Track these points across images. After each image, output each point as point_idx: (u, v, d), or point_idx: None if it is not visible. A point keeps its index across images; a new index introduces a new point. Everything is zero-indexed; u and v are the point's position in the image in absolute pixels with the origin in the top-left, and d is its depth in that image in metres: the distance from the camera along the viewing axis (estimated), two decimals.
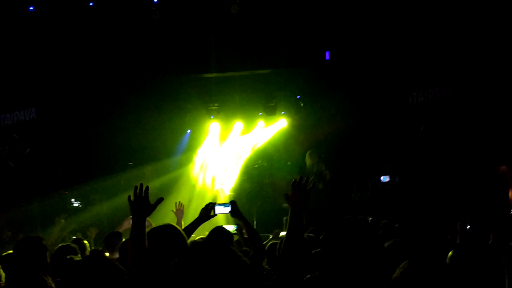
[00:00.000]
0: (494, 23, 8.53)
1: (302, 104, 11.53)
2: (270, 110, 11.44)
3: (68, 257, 4.26)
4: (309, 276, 2.60)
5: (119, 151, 11.43)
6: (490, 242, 2.58)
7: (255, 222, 10.52)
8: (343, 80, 10.56)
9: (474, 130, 9.10)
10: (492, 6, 8.51)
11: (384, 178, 10.26)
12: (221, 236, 4.08)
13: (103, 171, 10.82)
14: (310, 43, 10.02)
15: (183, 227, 4.29)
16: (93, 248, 6.02)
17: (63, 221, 7.68)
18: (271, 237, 6.73)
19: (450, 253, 3.35)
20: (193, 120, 11.87)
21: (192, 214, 6.87)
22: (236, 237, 4.93)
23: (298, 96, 11.53)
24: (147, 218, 7.06)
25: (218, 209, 4.47)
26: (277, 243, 4.40)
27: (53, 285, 2.75)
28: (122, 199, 10.63)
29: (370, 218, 6.62)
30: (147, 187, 3.02)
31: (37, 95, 10.66)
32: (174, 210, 5.73)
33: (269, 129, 12.20)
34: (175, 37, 10.13)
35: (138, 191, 2.97)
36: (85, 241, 5.61)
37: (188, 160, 12.19)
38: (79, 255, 4.57)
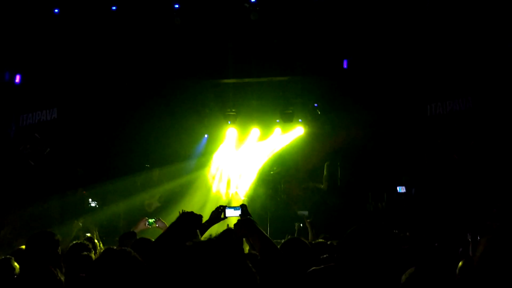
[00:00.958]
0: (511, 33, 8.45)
1: (319, 112, 11.54)
2: (287, 117, 11.47)
3: (84, 253, 4.36)
4: (314, 268, 2.60)
5: (137, 153, 11.59)
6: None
7: (268, 229, 10.54)
8: (360, 89, 10.54)
9: (492, 144, 8.99)
10: (508, 16, 8.43)
11: (400, 189, 10.19)
12: (228, 237, 4.11)
13: (121, 172, 10.98)
14: (328, 51, 10.04)
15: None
16: (102, 247, 6.11)
17: (80, 224, 7.81)
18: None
19: (460, 264, 3.34)
20: (210, 125, 11.97)
21: (205, 217, 6.92)
22: None
23: (316, 104, 11.53)
24: (162, 220, 7.15)
25: (229, 212, 4.50)
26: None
27: (62, 278, 2.82)
28: (138, 200, 10.82)
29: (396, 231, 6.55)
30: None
31: (59, 96, 10.89)
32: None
33: (286, 136, 12.23)
34: (195, 43, 10.26)
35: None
36: (96, 240, 5.71)
37: (204, 164, 12.29)
38: (93, 253, 4.67)
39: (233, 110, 11.55)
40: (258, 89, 11.21)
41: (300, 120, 11.84)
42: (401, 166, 10.50)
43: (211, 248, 1.73)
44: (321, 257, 4.01)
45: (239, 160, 12.36)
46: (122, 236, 5.97)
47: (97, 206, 11.13)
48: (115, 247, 5.81)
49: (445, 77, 9.52)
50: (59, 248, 3.74)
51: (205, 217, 4.77)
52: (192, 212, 4.20)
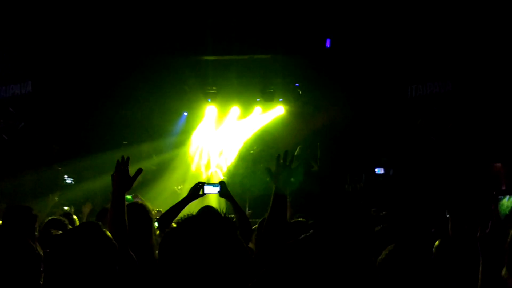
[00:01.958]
0: (494, 20, 8.49)
1: (300, 92, 11.48)
2: (268, 97, 11.40)
3: (54, 232, 4.25)
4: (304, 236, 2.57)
5: (114, 129, 11.40)
6: (478, 234, 2.58)
7: (247, 208, 10.54)
8: (342, 69, 10.51)
9: (470, 127, 9.10)
10: (492, 2, 8.46)
11: (379, 170, 10.27)
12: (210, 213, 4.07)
13: (97, 149, 10.78)
14: (310, 30, 9.94)
15: (172, 205, 4.29)
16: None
17: (56, 198, 7.67)
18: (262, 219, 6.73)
19: (437, 242, 3.37)
20: (190, 103, 11.83)
21: (185, 195, 6.87)
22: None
23: (297, 84, 11.47)
24: (138, 195, 7.07)
25: (207, 189, 4.47)
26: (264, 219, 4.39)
27: (41, 252, 2.74)
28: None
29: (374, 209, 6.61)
30: (128, 159, 3.02)
31: (33, 69, 10.58)
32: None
33: (266, 116, 12.17)
34: (174, 18, 10.04)
35: (119, 164, 2.97)
36: (75, 216, 5.60)
37: (183, 142, 12.18)
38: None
39: (213, 87, 11.42)
40: (238, 67, 11.07)
41: (280, 99, 11.78)
42: (380, 147, 10.58)
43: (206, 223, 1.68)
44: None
45: (219, 139, 12.28)
46: (99, 213, 5.87)
47: (72, 182, 10.95)
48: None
49: (426, 59, 9.55)
50: (37, 224, 3.67)
51: (184, 194, 4.72)
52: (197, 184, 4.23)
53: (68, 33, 10.14)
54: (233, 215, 5.01)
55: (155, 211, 6.66)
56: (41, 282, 2.66)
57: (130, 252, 2.90)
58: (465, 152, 9.07)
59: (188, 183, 10.98)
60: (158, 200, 9.68)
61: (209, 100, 11.59)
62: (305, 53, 10.28)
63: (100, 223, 2.49)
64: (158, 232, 4.49)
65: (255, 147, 12.21)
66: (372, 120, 10.67)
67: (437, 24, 9.15)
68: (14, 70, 10.58)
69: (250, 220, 4.79)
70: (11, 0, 9.72)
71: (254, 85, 11.43)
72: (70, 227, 4.72)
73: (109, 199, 3.11)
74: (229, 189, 4.67)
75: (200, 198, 4.52)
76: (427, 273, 2.45)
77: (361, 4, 9.45)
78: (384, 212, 4.98)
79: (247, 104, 12.03)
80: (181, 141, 12.18)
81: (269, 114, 12.13)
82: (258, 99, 11.76)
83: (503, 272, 1.95)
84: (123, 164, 3.03)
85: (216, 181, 10.39)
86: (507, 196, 2.47)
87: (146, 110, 11.55)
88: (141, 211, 3.34)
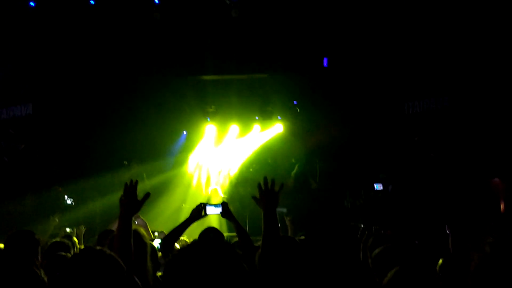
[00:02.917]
0: (489, 37, 8.62)
1: (298, 110, 11.57)
2: (266, 115, 11.48)
3: (62, 253, 4.27)
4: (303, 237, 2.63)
5: (114, 150, 11.43)
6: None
7: (247, 226, 10.53)
8: (340, 87, 10.62)
9: (468, 142, 9.17)
10: (488, 19, 8.60)
11: (377, 186, 10.31)
12: (213, 235, 4.11)
13: (98, 170, 10.81)
14: (308, 49, 10.08)
15: (175, 227, 4.33)
16: (82, 245, 6.02)
17: (57, 220, 7.68)
18: None
19: (440, 261, 3.39)
20: (189, 122, 11.89)
21: (185, 215, 6.89)
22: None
23: (295, 102, 11.57)
24: (141, 216, 7.09)
25: (209, 210, 4.50)
26: None
27: (45, 278, 2.76)
28: (115, 198, 10.62)
29: (362, 226, 6.67)
30: (136, 182, 3.06)
31: (34, 91, 10.66)
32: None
33: (265, 134, 12.24)
34: (174, 39, 10.17)
35: (128, 188, 3.01)
36: (75, 238, 5.62)
37: (183, 161, 12.21)
38: (71, 252, 4.58)
39: (212, 106, 11.51)
40: (237, 86, 11.19)
41: (279, 117, 11.86)
42: (379, 163, 10.64)
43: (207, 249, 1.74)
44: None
45: (218, 157, 12.32)
46: (100, 235, 5.89)
47: (73, 203, 10.94)
48: (92, 245, 5.76)
49: (422, 76, 9.66)
50: (39, 248, 3.67)
51: (185, 215, 4.76)
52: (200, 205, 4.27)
53: (68, 55, 10.25)
54: (234, 234, 5.05)
55: (158, 232, 6.68)
56: None
57: (134, 277, 2.93)
58: (463, 167, 9.13)
59: (189, 202, 11.00)
60: (160, 220, 9.69)
61: (209, 119, 11.66)
62: (303, 71, 10.41)
63: (106, 248, 2.51)
64: (160, 254, 4.52)
65: (254, 165, 12.25)
66: (370, 137, 10.75)
67: (431, 40, 9.29)
68: (15, 92, 10.68)
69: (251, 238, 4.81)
70: (13, 23, 9.84)
71: (252, 103, 11.52)
72: (72, 249, 4.75)
73: (109, 220, 3.13)
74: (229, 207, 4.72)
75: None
76: None
77: (357, 23, 9.60)
78: (385, 231, 5.00)
79: (246, 123, 12.10)
80: (181, 160, 12.22)
81: (267, 132, 12.19)
82: (257, 118, 11.84)
83: None
84: (131, 188, 3.06)
85: (217, 199, 10.44)
86: None
87: (146, 130, 11.60)
88: (135, 236, 3.34)
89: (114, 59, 10.30)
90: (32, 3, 9.71)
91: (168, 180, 11.78)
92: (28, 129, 10.70)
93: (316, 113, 11.33)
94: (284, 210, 9.67)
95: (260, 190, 3.01)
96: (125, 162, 10.96)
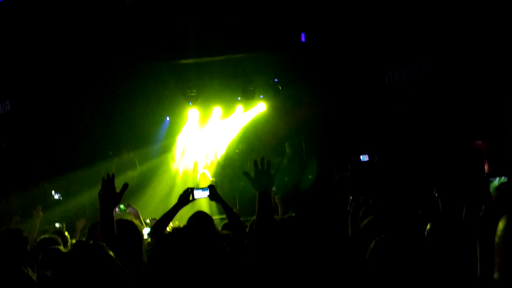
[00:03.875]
0: (464, 2, 8.64)
1: (280, 88, 11.56)
2: (248, 95, 11.44)
3: (53, 247, 4.25)
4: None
5: (98, 141, 11.34)
6: (463, 214, 2.66)
7: (237, 206, 10.59)
8: (319, 62, 10.60)
9: (449, 107, 9.26)
10: None
11: (364, 157, 10.39)
12: (202, 221, 4.12)
13: (83, 162, 10.73)
14: (285, 25, 10.01)
15: (163, 214, 4.33)
16: (73, 239, 6.00)
17: (41, 213, 7.62)
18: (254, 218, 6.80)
19: (428, 226, 3.43)
20: (171, 107, 11.81)
21: (174, 201, 6.90)
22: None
23: (276, 80, 11.54)
24: (132, 205, 7.04)
25: (197, 194, 4.50)
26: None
27: (34, 276, 2.74)
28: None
29: (351, 198, 6.71)
30: (113, 176, 3.03)
31: (11, 87, 10.45)
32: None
33: (248, 114, 12.22)
34: (150, 24, 10.00)
35: (105, 181, 2.99)
36: (66, 233, 5.59)
37: (168, 147, 12.17)
38: (62, 247, 4.56)
39: (194, 90, 11.42)
40: (217, 68, 11.10)
41: (261, 96, 11.84)
42: (363, 135, 10.71)
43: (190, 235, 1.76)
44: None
45: (204, 141, 12.30)
46: (91, 227, 5.87)
47: (60, 198, 10.87)
48: (84, 239, 5.75)
49: (400, 45, 9.68)
50: (28, 245, 3.65)
51: (174, 201, 4.77)
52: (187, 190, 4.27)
53: (42, 49, 10.04)
54: (224, 216, 5.07)
55: (150, 219, 6.68)
56: None
57: (124, 269, 2.91)
58: (446, 131, 9.24)
59: (177, 187, 11.00)
60: (150, 207, 9.69)
61: (191, 103, 11.59)
62: (281, 48, 10.35)
63: (104, 244, 2.47)
64: (149, 239, 4.53)
65: (240, 146, 12.26)
66: (352, 109, 10.79)
67: (407, 8, 9.28)
68: None
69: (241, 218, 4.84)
70: None
71: (234, 84, 11.46)
72: (63, 246, 4.72)
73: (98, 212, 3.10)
74: (218, 190, 4.74)
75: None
76: (419, 260, 2.50)
77: None
78: (372, 200, 5.05)
79: (228, 104, 12.06)
80: (166, 146, 12.18)
81: (251, 112, 12.18)
82: (239, 98, 11.80)
83: (495, 275, 1.74)
84: (108, 181, 3.03)
85: (206, 182, 10.47)
86: (497, 178, 2.54)
87: (128, 118, 11.50)
88: (131, 228, 3.33)
89: (90, 49, 10.11)
90: None
91: (156, 167, 11.75)
92: (7, 127, 10.52)
93: (297, 89, 11.33)
94: (273, 188, 9.73)
95: (256, 169, 2.98)
96: (110, 153, 10.88)
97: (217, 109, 12.12)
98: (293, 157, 11.10)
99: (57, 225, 6.78)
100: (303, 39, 10.00)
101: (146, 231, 5.23)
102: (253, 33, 10.09)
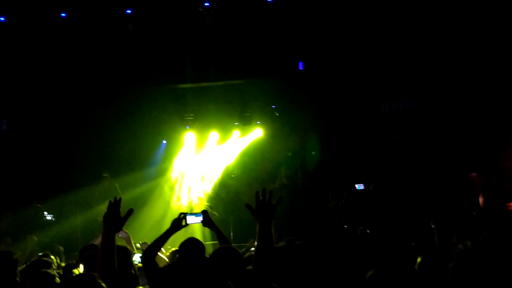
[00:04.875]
0: (461, 35, 8.78)
1: (277, 114, 11.62)
2: (245, 120, 11.49)
3: (43, 270, 4.20)
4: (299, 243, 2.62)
5: (94, 162, 11.29)
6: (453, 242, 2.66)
7: (231, 232, 10.52)
8: (316, 89, 10.70)
9: (444, 138, 9.31)
10: (459, 18, 8.77)
11: (359, 186, 10.39)
12: (193, 249, 4.04)
13: (77, 183, 10.67)
14: (283, 53, 10.14)
15: (156, 238, 4.29)
16: (63, 263, 5.94)
17: (36, 238, 7.57)
18: (247, 245, 6.74)
19: (418, 259, 3.42)
20: (168, 131, 11.84)
21: (167, 225, 6.85)
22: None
23: (273, 106, 11.62)
24: (124, 229, 7.01)
25: (190, 219, 4.47)
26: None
27: None
28: (96, 211, 10.55)
29: (345, 226, 6.70)
30: (119, 200, 3.02)
31: (8, 107, 10.48)
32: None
33: (245, 139, 12.24)
34: (150, 48, 10.12)
35: (112, 205, 2.97)
36: (52, 256, 5.54)
37: (164, 171, 12.13)
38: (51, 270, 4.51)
39: (191, 114, 11.47)
40: (215, 93, 11.19)
41: (258, 122, 11.89)
42: (359, 164, 10.73)
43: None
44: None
45: (200, 165, 12.27)
46: (82, 249, 5.81)
47: (53, 219, 10.78)
48: (74, 262, 5.68)
49: (397, 76, 9.80)
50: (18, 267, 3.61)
51: (167, 225, 4.73)
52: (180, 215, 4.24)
53: (42, 69, 10.10)
54: (217, 242, 5.03)
55: (141, 243, 6.62)
56: None
57: None
58: (441, 163, 9.26)
59: (170, 212, 10.92)
60: (143, 231, 9.60)
61: (188, 127, 11.62)
62: (279, 75, 10.46)
63: (96, 274, 2.45)
64: (140, 265, 4.48)
65: (235, 171, 12.24)
66: (348, 137, 10.84)
67: (404, 40, 9.42)
68: None
69: (234, 244, 4.80)
70: None
71: (231, 109, 11.53)
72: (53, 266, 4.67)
73: (91, 234, 3.08)
74: (212, 214, 4.71)
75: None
76: None
77: (331, 26, 9.69)
78: (369, 231, 5.04)
79: (225, 129, 12.09)
80: (162, 170, 12.14)
81: (247, 138, 12.20)
82: (236, 123, 11.85)
83: None
84: (115, 205, 3.01)
85: (201, 207, 10.42)
86: None
87: (124, 141, 11.49)
88: (124, 254, 3.29)
89: (90, 71, 10.18)
90: (2, 18, 9.57)
91: (150, 191, 11.69)
92: (4, 146, 10.50)
93: (294, 116, 11.40)
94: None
95: (257, 201, 2.97)
96: (105, 175, 10.82)
97: (214, 134, 12.15)
98: (287, 184, 11.09)
99: (60, 248, 6.74)
100: (301, 67, 10.12)
101: (137, 257, 5.17)
102: (251, 60, 10.21)
